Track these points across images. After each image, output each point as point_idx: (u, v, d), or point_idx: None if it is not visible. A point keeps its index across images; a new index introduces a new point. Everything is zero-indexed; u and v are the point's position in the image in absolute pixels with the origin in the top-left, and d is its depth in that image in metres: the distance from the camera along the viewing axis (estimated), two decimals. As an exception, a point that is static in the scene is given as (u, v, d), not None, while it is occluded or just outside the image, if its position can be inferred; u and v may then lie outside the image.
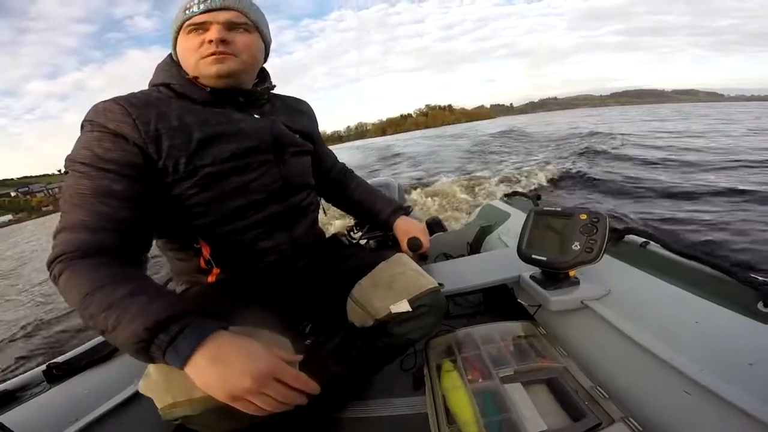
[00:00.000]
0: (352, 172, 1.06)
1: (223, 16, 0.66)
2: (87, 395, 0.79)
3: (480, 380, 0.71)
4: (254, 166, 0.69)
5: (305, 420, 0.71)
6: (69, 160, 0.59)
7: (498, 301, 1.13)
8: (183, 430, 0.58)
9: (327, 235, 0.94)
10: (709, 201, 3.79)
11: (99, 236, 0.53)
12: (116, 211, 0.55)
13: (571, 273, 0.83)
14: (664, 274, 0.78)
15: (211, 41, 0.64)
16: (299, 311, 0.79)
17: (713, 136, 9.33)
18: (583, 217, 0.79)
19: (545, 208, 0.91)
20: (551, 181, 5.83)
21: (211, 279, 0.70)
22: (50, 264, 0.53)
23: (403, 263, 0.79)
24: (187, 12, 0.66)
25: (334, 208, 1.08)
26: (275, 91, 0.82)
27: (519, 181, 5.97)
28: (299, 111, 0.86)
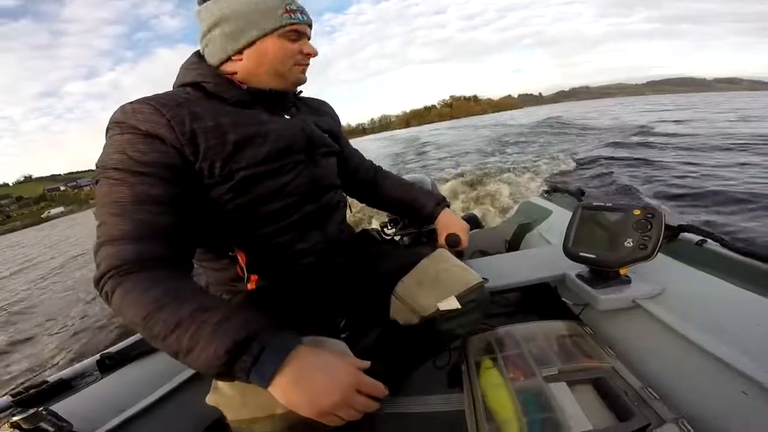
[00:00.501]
0: (382, 169, 1.05)
1: (309, 32, 0.70)
2: (134, 386, 0.84)
3: (522, 378, 0.69)
4: (288, 168, 0.68)
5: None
6: (100, 167, 0.56)
7: (538, 300, 1.10)
8: (219, 426, 0.59)
9: (357, 231, 0.94)
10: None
11: (144, 246, 0.51)
12: (158, 218, 0.53)
13: (622, 271, 0.80)
14: (722, 273, 0.74)
15: (309, 54, 0.69)
16: (334, 306, 0.79)
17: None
18: (637, 212, 0.76)
19: (594, 203, 0.88)
20: (593, 176, 5.54)
21: (250, 287, 0.68)
22: (98, 281, 0.50)
23: (445, 259, 0.79)
24: (290, 16, 0.66)
25: (360, 205, 1.07)
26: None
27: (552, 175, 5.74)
28: (323, 112, 0.85)
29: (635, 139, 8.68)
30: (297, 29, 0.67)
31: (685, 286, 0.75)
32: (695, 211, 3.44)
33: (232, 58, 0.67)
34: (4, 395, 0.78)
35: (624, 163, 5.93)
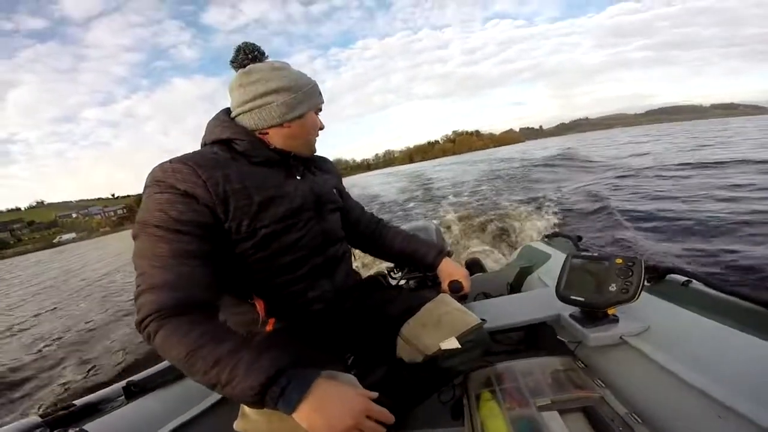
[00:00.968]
0: (383, 221, 1.12)
1: None
2: (158, 412, 0.90)
3: (517, 408, 0.74)
4: (300, 225, 0.75)
5: None
6: (141, 222, 0.61)
7: (538, 339, 1.16)
8: None
9: (363, 276, 1.01)
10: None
11: (183, 294, 0.56)
12: (194, 270, 0.59)
13: (611, 311, 0.87)
14: (705, 311, 0.80)
15: (322, 128, 0.83)
16: (344, 344, 0.85)
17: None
18: (619, 261, 0.85)
19: (582, 254, 0.98)
20: (593, 220, 5.61)
21: (268, 328, 0.74)
22: (141, 323, 0.55)
23: (446, 303, 0.86)
24: (320, 97, 0.81)
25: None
26: None
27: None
28: (326, 170, 0.93)
29: (630, 176, 8.84)
30: (320, 107, 0.82)
31: (669, 323, 0.81)
32: (691, 251, 3.49)
33: (283, 124, 0.75)
34: (33, 415, 0.84)
35: (624, 206, 6.04)
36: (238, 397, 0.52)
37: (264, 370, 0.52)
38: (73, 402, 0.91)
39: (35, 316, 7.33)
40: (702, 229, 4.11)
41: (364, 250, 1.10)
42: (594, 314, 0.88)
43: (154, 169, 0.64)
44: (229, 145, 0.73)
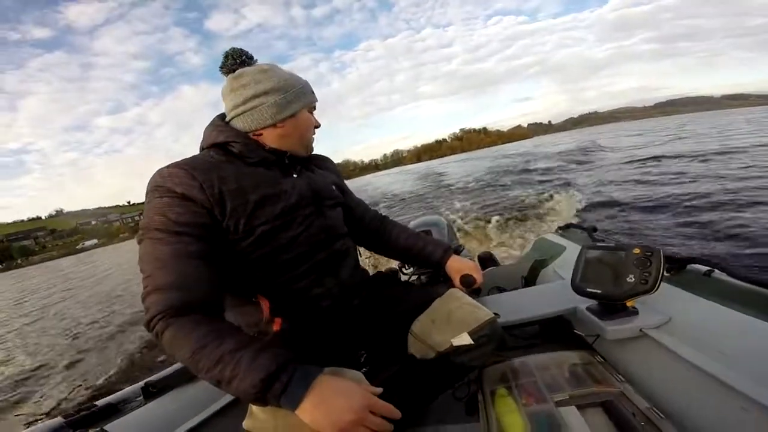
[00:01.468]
0: (387, 217, 1.11)
1: None
2: (175, 411, 0.91)
3: (534, 404, 0.72)
4: (299, 221, 0.75)
5: None
6: (144, 227, 0.63)
7: (555, 333, 1.13)
8: None
9: (372, 273, 1.00)
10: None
11: (187, 294, 0.58)
12: (196, 270, 0.60)
13: (629, 303, 0.84)
14: (728, 301, 0.77)
15: (317, 126, 0.85)
16: (355, 342, 0.85)
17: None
18: (637, 251, 0.82)
19: (597, 244, 0.95)
20: (607, 210, 5.49)
21: (275, 328, 0.74)
22: (149, 323, 0.57)
23: (457, 298, 0.85)
24: (312, 95, 0.82)
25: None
26: None
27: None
28: (325, 167, 0.94)
29: (647, 169, 8.62)
30: (314, 106, 0.83)
31: (691, 315, 0.79)
32: (708, 241, 3.37)
33: (276, 125, 0.76)
34: (56, 416, 0.86)
35: (640, 196, 5.88)
36: (242, 395, 0.52)
37: (265, 366, 0.52)
38: (95, 402, 0.93)
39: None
40: (723, 216, 3.97)
41: (368, 248, 1.09)
42: (612, 307, 0.85)
43: (153, 175, 0.66)
44: (225, 148, 0.75)
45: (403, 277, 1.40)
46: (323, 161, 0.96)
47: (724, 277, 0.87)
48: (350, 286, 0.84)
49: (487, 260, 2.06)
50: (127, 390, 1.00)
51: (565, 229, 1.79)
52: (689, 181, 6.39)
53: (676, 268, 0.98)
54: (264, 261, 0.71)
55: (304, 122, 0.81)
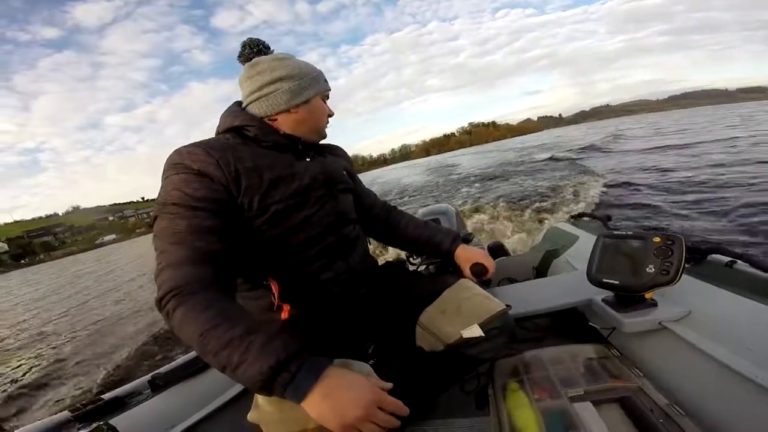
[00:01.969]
0: (395, 208, 1.10)
1: None
2: (182, 405, 0.90)
3: (548, 399, 0.70)
4: (312, 202, 0.75)
5: None
6: (160, 203, 0.63)
7: (568, 325, 1.10)
8: None
9: (381, 262, 0.99)
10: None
11: (201, 270, 0.56)
12: (212, 245, 0.59)
13: (648, 295, 0.80)
14: (752, 293, 0.73)
15: (331, 114, 0.86)
16: (363, 333, 0.83)
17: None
18: (657, 239, 0.78)
19: (615, 232, 0.91)
20: (623, 199, 5.35)
21: (284, 316, 0.73)
22: (160, 301, 0.55)
23: (467, 288, 0.82)
24: (326, 84, 0.84)
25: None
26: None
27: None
28: (337, 155, 0.94)
29: (667, 159, 8.39)
30: (327, 94, 0.83)
31: (713, 307, 0.75)
32: (728, 230, 3.24)
33: (291, 110, 0.78)
34: (63, 410, 0.86)
35: (654, 184, 5.72)
36: (248, 382, 0.50)
37: (274, 354, 0.49)
38: (101, 396, 0.93)
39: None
40: (745, 205, 3.81)
41: (376, 238, 1.08)
42: (630, 298, 0.82)
43: (170, 154, 0.67)
44: (240, 132, 0.76)
45: (411, 267, 1.38)
46: (335, 149, 0.97)
47: (747, 268, 0.83)
48: (359, 273, 0.82)
49: (497, 250, 2.02)
50: (134, 383, 1.01)
51: (577, 218, 1.74)
52: (708, 168, 6.19)
53: (697, 258, 0.94)
54: (276, 241, 0.71)
55: (318, 109, 0.82)
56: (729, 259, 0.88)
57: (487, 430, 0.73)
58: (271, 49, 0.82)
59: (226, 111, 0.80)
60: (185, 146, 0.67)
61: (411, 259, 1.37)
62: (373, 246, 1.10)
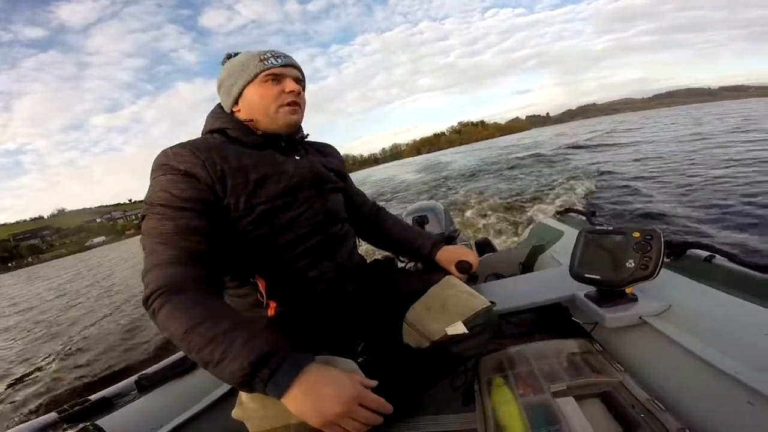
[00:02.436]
0: (383, 209, 1.10)
1: (294, 72, 0.78)
2: (169, 405, 0.90)
3: (531, 394, 0.71)
4: (300, 202, 0.75)
5: None
6: (148, 204, 0.64)
7: (553, 320, 1.12)
8: None
9: (369, 260, 0.99)
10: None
11: (188, 269, 0.57)
12: (198, 246, 0.60)
13: (628, 290, 0.82)
14: (730, 288, 0.75)
15: (291, 91, 0.75)
16: (352, 330, 0.83)
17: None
18: (636, 234, 0.79)
19: (596, 228, 0.92)
20: (608, 195, 5.46)
21: (270, 313, 0.73)
22: (147, 300, 0.55)
23: (452, 285, 0.83)
24: (265, 63, 0.74)
25: None
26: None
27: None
28: (328, 153, 0.93)
29: (647, 154, 8.61)
30: (273, 72, 0.75)
31: (692, 302, 0.77)
32: (708, 226, 3.34)
33: (233, 110, 0.78)
34: (50, 412, 0.85)
35: (638, 180, 5.86)
36: (229, 378, 0.50)
37: (256, 350, 0.49)
38: (88, 397, 0.93)
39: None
40: (724, 200, 3.93)
41: (364, 238, 1.08)
42: (611, 293, 0.83)
43: (157, 155, 0.67)
44: (224, 132, 0.76)
45: (400, 264, 1.38)
46: (327, 148, 0.96)
47: (725, 262, 0.85)
48: (346, 270, 0.82)
49: (484, 246, 2.04)
50: (121, 384, 1.00)
51: (563, 214, 1.76)
52: (688, 165, 6.37)
53: (676, 253, 0.97)
54: (263, 241, 0.71)
55: (255, 97, 0.75)
56: (707, 253, 0.90)
57: (474, 426, 0.73)
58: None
59: (210, 112, 0.82)
60: (172, 147, 0.67)
61: (400, 257, 1.37)
62: (364, 245, 1.10)
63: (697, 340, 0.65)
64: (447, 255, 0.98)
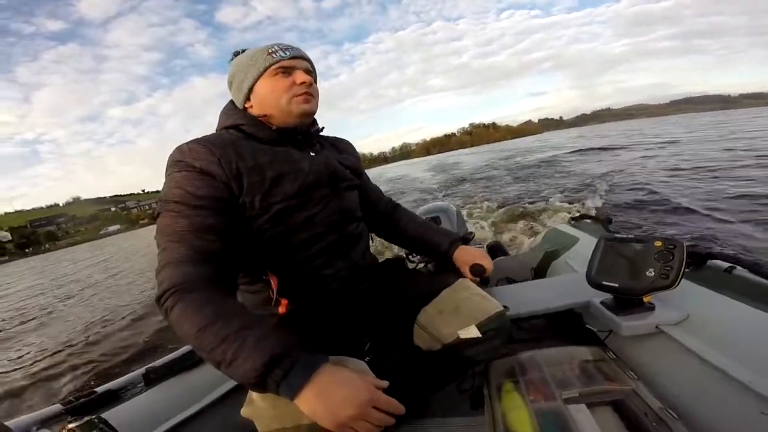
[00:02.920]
0: (400, 205, 1.09)
1: (304, 63, 0.78)
2: (176, 398, 0.90)
3: (542, 401, 0.69)
4: (316, 201, 0.74)
5: None
6: (163, 201, 0.64)
7: (565, 327, 1.10)
8: None
9: (381, 259, 0.99)
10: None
11: (201, 268, 0.57)
12: (212, 244, 0.60)
13: (646, 299, 0.80)
14: (750, 299, 0.73)
15: (303, 82, 0.74)
16: (360, 329, 0.83)
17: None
18: (658, 244, 0.78)
19: (617, 236, 0.91)
20: (625, 201, 5.35)
21: (281, 310, 0.73)
22: (160, 298, 0.55)
23: (466, 288, 0.82)
24: (273, 56, 0.74)
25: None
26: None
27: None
28: (344, 149, 0.92)
29: (669, 163, 8.41)
30: (282, 65, 0.74)
31: (711, 312, 0.75)
32: (728, 235, 3.24)
33: (246, 106, 0.78)
34: (55, 404, 0.85)
35: (656, 188, 5.72)
36: (242, 378, 0.50)
37: (268, 351, 0.49)
38: (94, 389, 0.93)
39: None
40: (746, 210, 3.81)
41: (379, 235, 1.08)
42: (628, 301, 0.82)
43: (173, 151, 0.67)
44: (239, 128, 0.76)
45: (410, 265, 1.37)
46: (343, 143, 0.95)
47: (746, 273, 0.84)
48: (360, 269, 0.82)
49: (496, 250, 2.02)
50: (128, 376, 1.00)
51: (578, 220, 1.74)
52: (709, 175, 6.20)
53: (696, 263, 0.95)
54: (278, 239, 0.71)
55: (267, 91, 0.75)
56: (728, 264, 0.88)
57: (482, 430, 0.72)
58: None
59: (223, 109, 0.81)
60: (188, 143, 0.67)
61: (410, 257, 1.37)
62: (374, 244, 1.09)
63: (713, 350, 0.64)
64: (463, 255, 0.97)
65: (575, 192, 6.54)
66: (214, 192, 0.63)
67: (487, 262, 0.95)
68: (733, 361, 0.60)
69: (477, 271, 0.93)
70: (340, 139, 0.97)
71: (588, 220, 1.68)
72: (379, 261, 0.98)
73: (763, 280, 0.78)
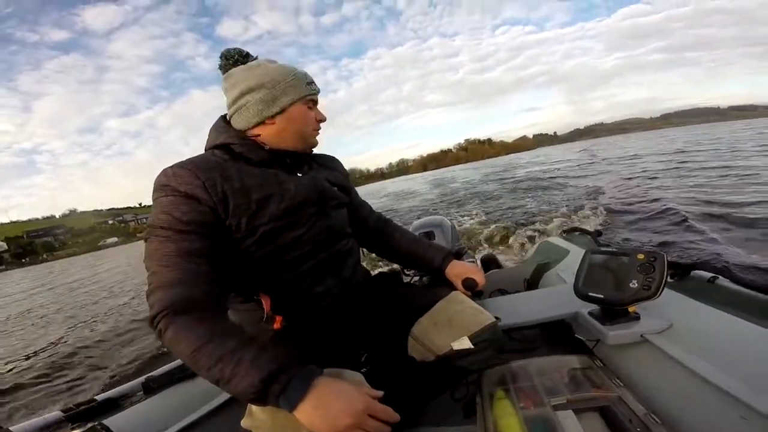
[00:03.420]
0: (390, 221, 1.10)
1: (318, 101, 0.82)
2: (175, 407, 0.91)
3: (532, 408, 0.72)
4: (303, 221, 0.75)
5: None
6: (150, 226, 0.64)
7: (556, 337, 1.12)
8: None
9: (374, 273, 1.00)
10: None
11: (191, 291, 0.58)
12: (200, 267, 0.60)
13: (631, 309, 0.83)
14: (732, 308, 0.76)
15: (322, 120, 0.81)
16: (356, 342, 0.84)
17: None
18: (641, 256, 0.82)
19: (601, 249, 0.95)
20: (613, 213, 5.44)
21: (276, 326, 0.74)
22: (153, 320, 0.57)
23: (459, 301, 0.84)
24: (311, 87, 0.78)
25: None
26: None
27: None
28: (332, 168, 0.93)
29: (652, 175, 8.59)
30: (314, 99, 0.79)
31: (693, 321, 0.78)
32: (712, 247, 3.29)
33: (266, 122, 0.75)
34: (55, 411, 0.86)
35: (642, 200, 5.83)
36: (240, 395, 0.52)
37: (265, 367, 0.51)
38: (95, 397, 0.94)
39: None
40: (729, 223, 3.90)
41: (371, 250, 1.09)
42: (614, 312, 0.85)
43: (158, 175, 0.67)
44: (228, 148, 0.75)
45: (405, 279, 1.39)
46: (330, 161, 0.96)
47: (728, 283, 0.87)
48: (351, 285, 0.83)
49: (490, 262, 2.05)
50: (127, 385, 1.01)
51: (569, 233, 1.79)
52: (694, 186, 6.33)
53: (680, 274, 0.98)
54: (266, 260, 0.72)
55: (299, 117, 0.77)
56: (711, 275, 0.91)
57: None
58: (255, 57, 0.80)
59: (213, 126, 0.80)
60: (172, 167, 0.67)
61: (405, 270, 1.39)
62: (368, 258, 1.11)
63: (695, 357, 0.67)
64: (456, 270, 0.99)
65: (569, 205, 6.63)
66: (200, 216, 0.64)
67: (479, 276, 0.97)
68: (714, 368, 0.62)
69: (469, 284, 0.96)
70: (329, 156, 0.97)
71: (579, 233, 1.72)
72: (373, 274, 1.00)
73: (744, 290, 0.81)
